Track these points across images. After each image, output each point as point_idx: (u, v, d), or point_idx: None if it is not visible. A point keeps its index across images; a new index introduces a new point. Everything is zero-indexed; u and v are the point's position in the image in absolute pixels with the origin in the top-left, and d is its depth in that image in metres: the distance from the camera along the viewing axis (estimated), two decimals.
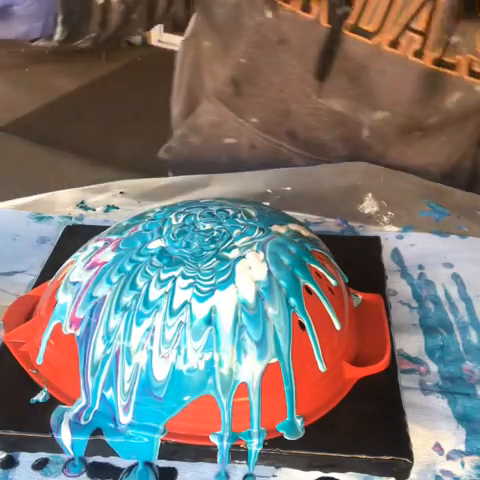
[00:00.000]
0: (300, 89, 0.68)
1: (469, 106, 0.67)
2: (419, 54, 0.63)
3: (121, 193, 0.68)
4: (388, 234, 0.62)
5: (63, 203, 0.67)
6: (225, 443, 0.38)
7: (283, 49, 0.66)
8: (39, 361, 0.42)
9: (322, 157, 0.73)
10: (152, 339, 0.38)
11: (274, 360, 0.38)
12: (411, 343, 0.49)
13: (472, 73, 0.63)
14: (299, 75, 0.67)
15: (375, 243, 0.56)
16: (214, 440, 0.38)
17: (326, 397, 0.40)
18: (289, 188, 0.67)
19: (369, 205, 0.65)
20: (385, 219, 0.64)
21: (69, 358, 0.40)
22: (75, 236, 0.56)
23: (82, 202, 0.67)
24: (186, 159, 0.80)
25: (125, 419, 0.39)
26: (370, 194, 0.66)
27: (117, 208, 0.66)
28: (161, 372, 0.38)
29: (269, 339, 0.38)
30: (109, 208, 0.66)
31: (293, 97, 0.69)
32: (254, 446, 0.38)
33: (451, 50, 0.62)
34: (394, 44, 0.63)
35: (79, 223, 0.64)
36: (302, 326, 0.39)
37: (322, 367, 0.40)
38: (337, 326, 0.41)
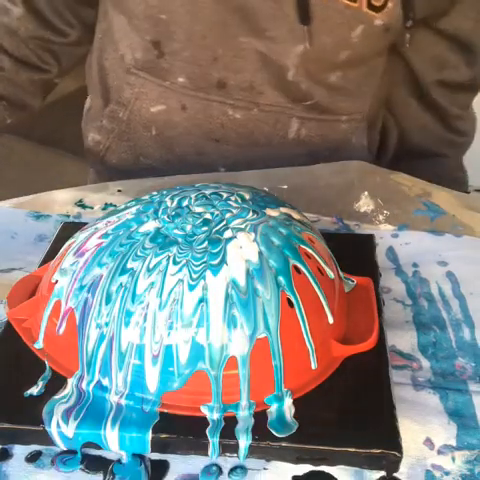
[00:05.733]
0: (223, 31, 0.69)
1: (372, 41, 0.70)
2: None
3: (119, 191, 0.69)
4: (383, 232, 0.62)
5: (61, 202, 0.68)
6: (215, 414, 0.39)
7: None
8: (40, 338, 0.44)
9: (253, 105, 0.73)
10: (146, 316, 0.39)
11: (263, 335, 0.39)
12: (404, 340, 0.50)
13: (371, 6, 0.67)
14: (220, 15, 0.68)
15: (369, 241, 0.57)
16: (205, 411, 0.39)
17: (313, 373, 0.42)
18: (286, 186, 0.67)
19: (365, 203, 0.66)
20: (381, 218, 0.64)
21: (69, 333, 0.42)
22: (72, 233, 0.57)
23: (80, 201, 0.68)
24: (118, 136, 0.80)
25: (120, 393, 0.40)
26: (366, 193, 0.66)
27: (115, 206, 0.67)
28: (154, 348, 0.39)
29: (258, 315, 0.39)
30: (107, 206, 0.67)
31: (217, 41, 0.69)
32: (242, 416, 0.39)
33: None
34: None
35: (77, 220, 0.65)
36: (291, 304, 0.41)
37: (309, 343, 0.41)
38: (325, 304, 0.43)
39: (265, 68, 0.71)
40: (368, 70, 0.76)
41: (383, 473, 0.39)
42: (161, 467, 0.40)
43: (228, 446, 0.39)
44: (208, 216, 0.45)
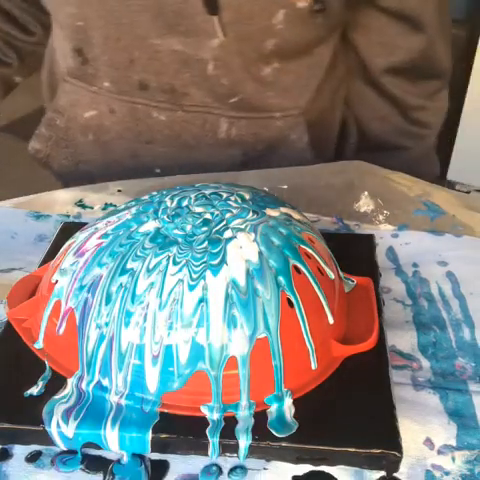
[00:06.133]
0: (135, 32, 0.68)
1: (300, 27, 0.67)
2: None
3: (119, 191, 0.69)
4: (383, 232, 0.62)
5: (61, 202, 0.68)
6: (215, 414, 0.39)
7: None
8: (40, 338, 0.44)
9: (177, 107, 0.73)
10: (146, 317, 0.39)
11: (263, 335, 0.39)
12: (404, 340, 0.50)
13: None
14: (130, 17, 0.67)
15: (369, 241, 0.57)
16: (205, 411, 0.39)
17: (313, 373, 0.42)
18: (286, 186, 0.67)
19: (365, 203, 0.66)
20: (381, 218, 0.64)
21: (69, 333, 0.42)
22: (72, 233, 0.57)
23: (80, 201, 0.68)
24: (56, 143, 0.81)
25: (120, 393, 0.40)
26: (366, 193, 0.66)
27: (115, 206, 0.67)
28: (154, 348, 0.39)
29: (258, 315, 0.39)
30: (107, 206, 0.67)
31: (132, 43, 0.69)
32: (242, 416, 0.39)
33: None
34: None
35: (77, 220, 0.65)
36: (291, 304, 0.41)
37: (309, 343, 0.41)
38: (325, 305, 0.43)
39: (185, 67, 0.70)
40: (312, 61, 0.73)
41: (383, 473, 0.39)
42: (161, 467, 0.40)
43: (228, 446, 0.39)
44: (208, 216, 0.45)
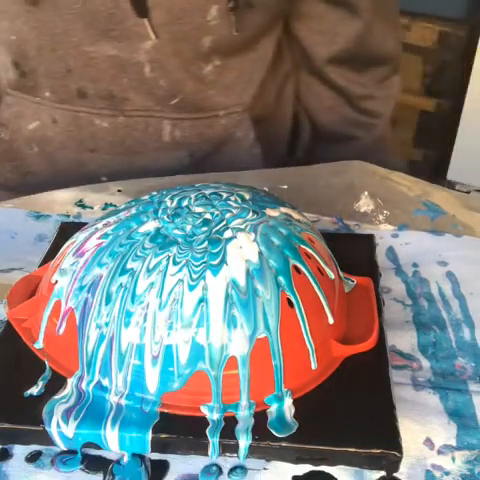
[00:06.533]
0: (69, 41, 0.68)
1: (232, 23, 0.66)
2: None
3: (119, 191, 0.69)
4: (383, 232, 0.62)
5: (61, 202, 0.68)
6: (215, 414, 0.39)
7: (39, 8, 0.66)
8: (40, 338, 0.44)
9: (118, 112, 0.72)
10: (145, 317, 0.39)
11: (263, 335, 0.39)
12: (404, 340, 0.50)
13: None
14: (62, 26, 0.67)
15: (369, 241, 0.57)
16: (205, 411, 0.39)
17: (313, 373, 0.42)
18: (286, 186, 0.67)
19: (365, 203, 0.66)
20: (381, 218, 0.64)
21: (69, 333, 0.42)
22: (72, 233, 0.57)
23: (80, 201, 0.68)
24: (0, 157, 0.80)
25: (120, 393, 0.40)
26: (366, 193, 0.66)
27: (115, 206, 0.67)
28: (154, 349, 0.39)
29: (258, 315, 0.39)
30: (107, 206, 0.67)
31: (67, 52, 0.69)
32: (242, 416, 0.39)
33: None
34: None
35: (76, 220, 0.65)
36: (291, 304, 0.41)
37: (309, 343, 0.41)
38: (325, 305, 0.43)
39: (122, 72, 0.70)
40: (255, 55, 0.72)
41: (383, 473, 0.39)
42: (161, 467, 0.40)
43: (228, 446, 0.39)
44: (208, 216, 0.45)
